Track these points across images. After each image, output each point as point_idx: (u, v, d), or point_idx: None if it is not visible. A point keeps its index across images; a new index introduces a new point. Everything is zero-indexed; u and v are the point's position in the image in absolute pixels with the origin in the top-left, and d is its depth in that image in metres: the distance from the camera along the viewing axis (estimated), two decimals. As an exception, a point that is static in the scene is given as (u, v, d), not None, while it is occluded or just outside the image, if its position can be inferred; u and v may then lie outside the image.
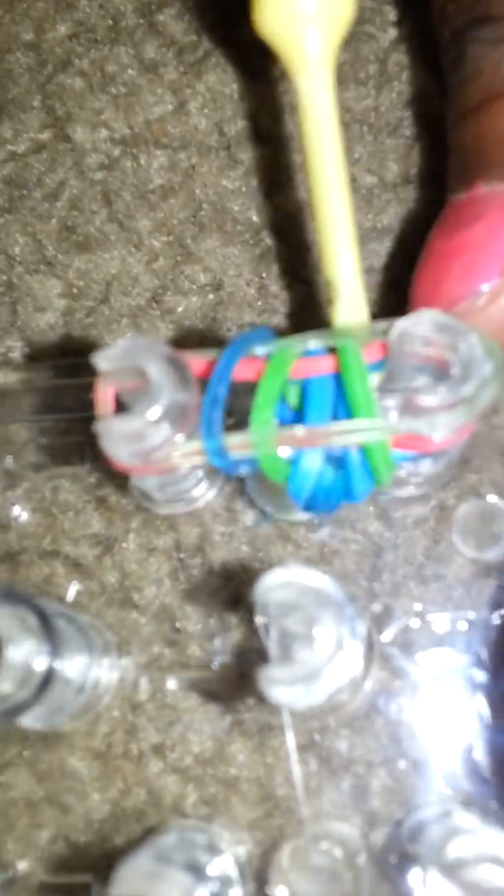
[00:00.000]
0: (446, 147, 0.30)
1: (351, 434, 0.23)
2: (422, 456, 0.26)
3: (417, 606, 0.30)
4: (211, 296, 0.34)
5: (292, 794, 0.29)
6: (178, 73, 0.35)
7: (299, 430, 0.23)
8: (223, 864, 0.26)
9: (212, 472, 0.30)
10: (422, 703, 0.29)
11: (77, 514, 0.32)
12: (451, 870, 0.22)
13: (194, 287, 0.34)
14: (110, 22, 0.36)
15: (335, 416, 0.24)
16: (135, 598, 0.31)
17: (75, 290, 0.34)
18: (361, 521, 0.31)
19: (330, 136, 0.25)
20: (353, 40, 0.34)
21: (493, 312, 0.26)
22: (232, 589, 0.31)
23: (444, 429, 0.23)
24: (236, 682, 0.30)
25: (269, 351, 0.24)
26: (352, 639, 0.23)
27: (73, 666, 0.27)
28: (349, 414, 0.23)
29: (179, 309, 0.34)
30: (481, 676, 0.28)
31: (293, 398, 0.24)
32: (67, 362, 0.31)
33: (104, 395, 0.24)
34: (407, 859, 0.25)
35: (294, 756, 0.29)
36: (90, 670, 0.28)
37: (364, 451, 0.24)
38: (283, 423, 0.24)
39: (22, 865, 0.30)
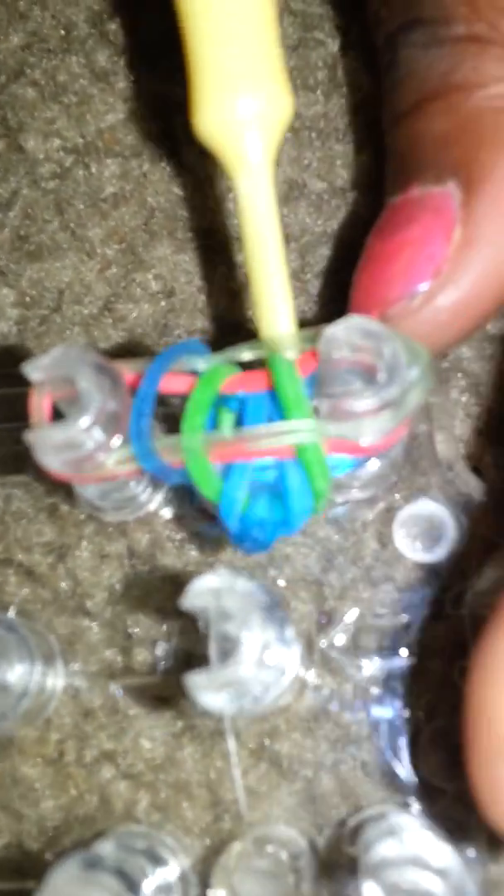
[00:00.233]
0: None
1: (279, 437, 0.23)
2: (358, 463, 0.26)
3: (366, 609, 0.30)
4: (163, 303, 0.34)
5: (244, 799, 0.29)
6: (128, 82, 0.36)
7: (228, 435, 0.24)
8: (161, 871, 0.26)
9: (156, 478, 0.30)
10: (369, 705, 0.29)
11: (30, 522, 0.32)
12: (376, 871, 0.22)
13: (146, 294, 0.34)
14: (62, 32, 0.37)
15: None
16: (87, 606, 0.31)
17: (28, 299, 0.35)
18: (311, 525, 0.31)
19: (271, 237, 0.25)
20: (302, 46, 0.35)
21: (428, 314, 0.26)
22: (182, 595, 0.31)
23: (372, 433, 0.23)
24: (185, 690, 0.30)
25: (201, 365, 0.25)
26: (280, 643, 0.23)
27: (13, 673, 0.27)
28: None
29: (132, 316, 0.34)
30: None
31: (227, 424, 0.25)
32: (16, 371, 0.31)
33: (38, 405, 0.24)
34: (346, 861, 0.25)
35: (235, 759, 0.29)
36: (32, 677, 0.28)
37: (299, 457, 0.24)
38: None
39: (-25, 872, 0.30)
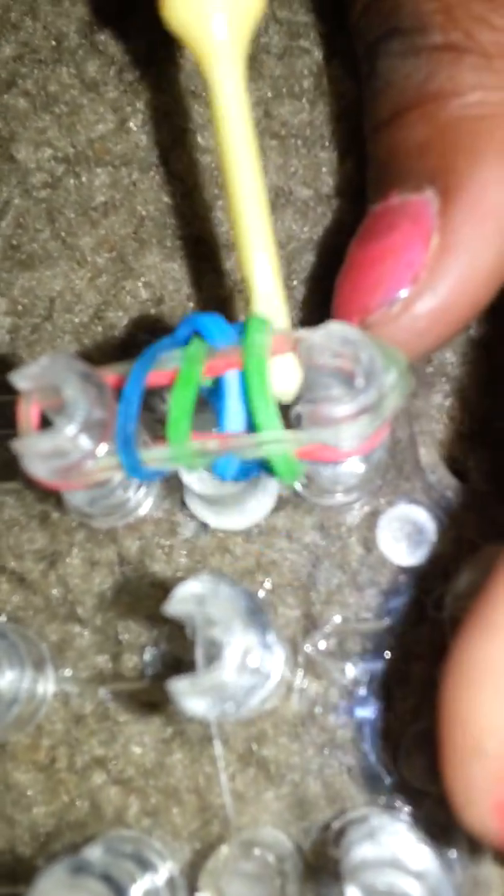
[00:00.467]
0: (370, 158, 0.30)
1: (260, 446, 0.24)
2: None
3: (351, 613, 0.30)
4: (153, 311, 0.35)
5: (230, 804, 0.30)
6: (118, 92, 0.36)
7: (212, 444, 0.24)
8: (150, 876, 0.26)
9: (146, 482, 0.31)
10: (353, 709, 0.30)
11: (21, 529, 0.33)
12: (355, 873, 0.23)
13: (136, 302, 0.35)
14: (53, 42, 0.37)
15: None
16: (78, 612, 0.32)
17: (20, 308, 0.35)
18: (298, 531, 0.31)
19: (241, 128, 0.25)
20: (287, 54, 0.35)
21: (407, 321, 0.26)
22: (166, 601, 0.31)
23: (350, 438, 0.23)
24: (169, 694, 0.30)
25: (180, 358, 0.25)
26: (262, 648, 0.23)
27: (3, 679, 0.28)
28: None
29: (122, 324, 0.35)
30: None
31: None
32: (6, 379, 0.32)
33: (26, 413, 0.25)
34: (331, 863, 0.26)
35: (222, 764, 0.29)
36: (22, 684, 0.28)
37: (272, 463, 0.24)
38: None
39: (-34, 878, 0.31)
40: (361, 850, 0.24)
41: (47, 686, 0.30)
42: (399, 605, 0.30)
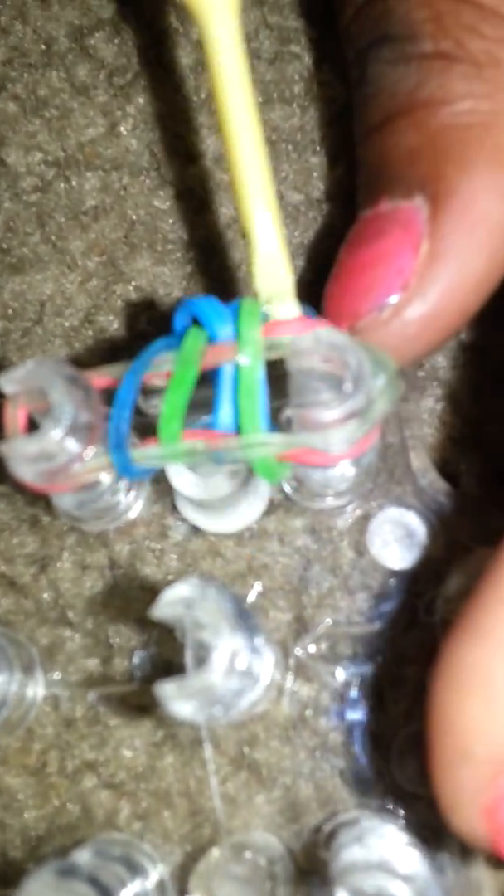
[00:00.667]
0: (361, 164, 0.31)
1: (248, 448, 0.24)
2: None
3: (342, 617, 0.30)
4: (143, 315, 0.35)
5: (220, 807, 0.30)
6: (108, 96, 0.36)
7: (200, 444, 0.24)
8: (139, 880, 0.26)
9: (135, 485, 0.31)
10: (344, 712, 0.30)
11: (12, 534, 0.33)
12: (344, 876, 0.23)
13: (127, 306, 0.35)
14: (43, 46, 0.37)
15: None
16: (69, 616, 0.32)
17: (10, 312, 0.35)
18: (289, 535, 0.31)
19: (238, 82, 0.24)
20: (278, 59, 0.35)
21: (397, 326, 0.27)
22: (154, 604, 0.31)
23: (339, 443, 0.23)
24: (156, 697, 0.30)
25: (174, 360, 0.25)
26: (250, 651, 0.23)
27: (-9, 684, 0.28)
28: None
29: (112, 328, 0.35)
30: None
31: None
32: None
33: (12, 417, 0.25)
34: (321, 866, 0.26)
35: (212, 767, 0.29)
36: (10, 687, 0.28)
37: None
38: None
39: (-43, 883, 0.31)
40: (350, 853, 0.24)
41: (37, 690, 0.30)
42: (390, 608, 0.30)
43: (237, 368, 0.24)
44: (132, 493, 0.31)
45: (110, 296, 0.35)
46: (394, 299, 0.27)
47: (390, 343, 0.26)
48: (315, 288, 0.33)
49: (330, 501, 0.30)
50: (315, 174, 0.35)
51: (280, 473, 0.25)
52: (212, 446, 0.24)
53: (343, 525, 0.31)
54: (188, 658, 0.24)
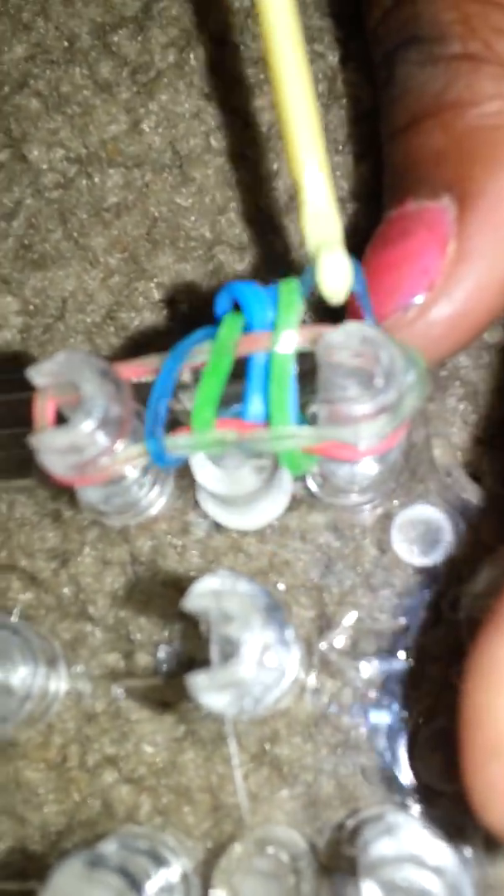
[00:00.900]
0: (386, 164, 0.31)
1: (277, 440, 0.24)
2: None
3: (365, 614, 0.31)
4: (165, 312, 0.35)
5: (245, 803, 0.30)
6: (131, 93, 0.37)
7: (230, 435, 0.24)
8: (164, 872, 0.27)
9: (160, 480, 0.31)
10: (367, 709, 0.30)
11: (33, 528, 0.33)
12: (373, 869, 0.23)
13: (148, 303, 0.35)
14: (66, 43, 0.38)
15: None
16: (90, 611, 0.32)
17: (32, 308, 0.36)
18: (311, 532, 0.32)
19: (288, 30, 0.24)
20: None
21: (422, 327, 0.27)
22: (185, 596, 0.32)
23: (369, 437, 0.24)
24: (187, 692, 0.31)
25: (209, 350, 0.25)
26: (280, 644, 0.24)
27: (16, 676, 0.28)
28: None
29: (133, 325, 0.35)
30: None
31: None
32: (20, 376, 0.32)
33: (42, 409, 0.25)
34: (344, 861, 0.26)
35: (236, 761, 0.30)
36: (35, 680, 0.29)
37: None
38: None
39: (-22, 876, 0.31)
40: (380, 846, 0.24)
41: (59, 683, 0.31)
42: (413, 605, 0.30)
43: (270, 358, 0.24)
44: (156, 489, 0.31)
45: (132, 293, 0.35)
46: (419, 299, 0.27)
47: (415, 343, 0.27)
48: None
49: (354, 498, 0.30)
50: (339, 173, 0.35)
51: (305, 467, 0.25)
52: (242, 437, 0.24)
53: (365, 523, 0.31)
54: (214, 652, 0.24)
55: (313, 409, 0.25)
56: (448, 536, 0.30)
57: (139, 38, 0.37)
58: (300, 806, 0.30)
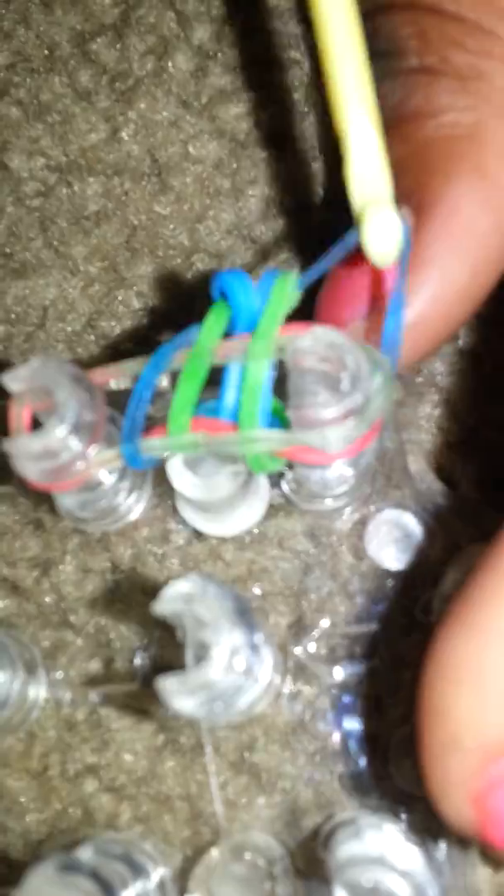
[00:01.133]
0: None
1: (245, 443, 0.25)
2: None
3: (341, 620, 0.31)
4: (145, 320, 0.36)
5: (221, 810, 0.31)
6: (110, 101, 0.38)
7: (200, 437, 0.25)
8: (140, 879, 0.27)
9: (136, 486, 0.32)
10: (342, 714, 0.31)
11: (14, 537, 0.34)
12: (342, 871, 0.24)
13: (128, 311, 0.36)
14: (46, 52, 0.39)
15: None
16: (71, 619, 0.33)
17: (13, 316, 0.36)
18: (289, 539, 0.32)
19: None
20: (278, 66, 0.37)
21: (376, 340, 0.28)
22: (156, 600, 0.32)
23: (337, 441, 0.24)
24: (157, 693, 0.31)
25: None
26: (250, 648, 0.24)
27: (-6, 682, 0.29)
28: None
29: (114, 333, 0.36)
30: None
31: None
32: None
33: (17, 415, 0.26)
34: (319, 866, 0.27)
35: (213, 768, 0.30)
36: (13, 686, 0.30)
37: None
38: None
39: (-41, 884, 0.32)
40: (347, 848, 0.25)
41: (39, 690, 0.31)
42: (387, 610, 0.31)
43: (243, 367, 0.25)
44: (133, 495, 0.32)
45: (112, 301, 0.36)
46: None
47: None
48: (313, 294, 0.35)
49: (329, 503, 0.31)
50: (315, 180, 0.36)
51: (270, 467, 0.26)
52: (211, 439, 0.25)
53: (342, 529, 0.32)
54: (188, 657, 0.25)
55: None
56: (421, 541, 0.31)
57: (118, 46, 0.38)
58: (278, 814, 0.31)
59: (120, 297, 0.36)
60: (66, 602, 0.33)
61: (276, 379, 0.26)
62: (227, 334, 0.26)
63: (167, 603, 0.25)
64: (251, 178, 0.36)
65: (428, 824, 0.29)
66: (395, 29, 0.30)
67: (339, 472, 0.29)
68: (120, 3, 0.38)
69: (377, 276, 0.28)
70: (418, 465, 0.32)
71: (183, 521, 0.33)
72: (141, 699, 0.32)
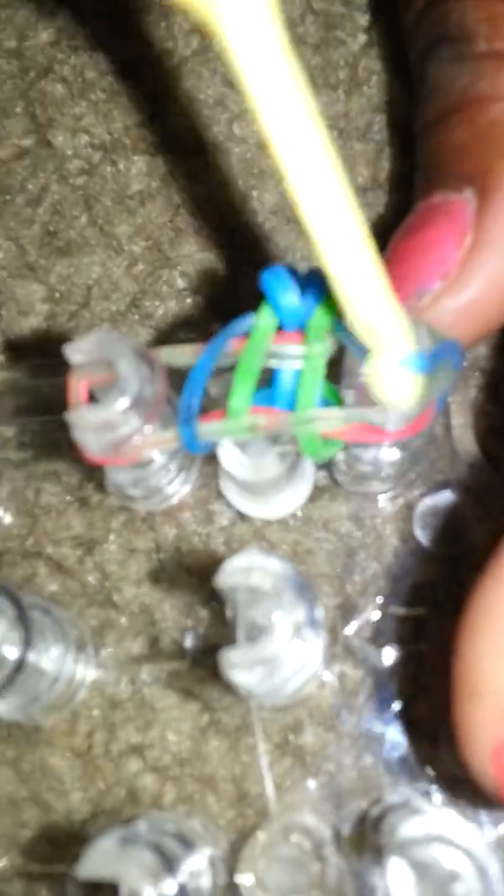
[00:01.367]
0: (413, 152, 0.32)
1: (306, 423, 0.25)
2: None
3: (386, 603, 0.32)
4: (188, 300, 0.36)
5: (272, 791, 0.31)
6: (154, 80, 0.38)
7: (261, 420, 0.26)
8: (192, 854, 0.28)
9: (185, 467, 0.32)
10: (392, 698, 0.31)
11: (59, 515, 0.34)
12: (402, 849, 0.25)
13: (172, 291, 0.36)
14: (90, 29, 0.39)
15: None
16: (115, 599, 0.34)
17: (57, 295, 0.37)
18: (333, 521, 0.33)
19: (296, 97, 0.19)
20: (324, 45, 0.37)
21: (434, 314, 0.28)
22: (209, 588, 0.33)
23: (397, 419, 0.25)
24: (211, 679, 0.32)
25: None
26: (310, 623, 0.25)
27: (48, 657, 0.30)
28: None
29: (158, 313, 0.36)
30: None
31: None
32: (48, 363, 0.33)
33: (76, 387, 0.27)
34: (370, 848, 0.27)
35: (262, 748, 0.31)
36: (65, 663, 0.30)
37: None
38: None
39: (2, 863, 0.32)
40: (408, 826, 0.25)
41: (87, 668, 0.32)
42: (434, 595, 0.32)
43: (304, 352, 0.25)
44: (182, 476, 0.32)
45: (156, 280, 0.37)
46: (433, 287, 0.28)
47: None
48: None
49: (375, 487, 0.32)
50: (360, 161, 0.36)
51: (325, 454, 0.27)
52: (272, 422, 0.26)
53: (387, 512, 0.33)
54: (240, 635, 0.26)
55: (344, 390, 0.26)
56: (468, 525, 0.31)
57: (163, 25, 0.39)
58: (323, 796, 0.31)
59: (164, 277, 0.36)
60: (109, 581, 0.34)
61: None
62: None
63: (230, 575, 0.25)
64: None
65: (476, 808, 0.29)
66: (465, 13, 0.30)
67: (390, 455, 0.30)
68: (165, -19, 0.39)
69: (436, 255, 0.28)
70: (465, 449, 0.32)
71: (227, 503, 0.33)
72: (186, 679, 0.33)
